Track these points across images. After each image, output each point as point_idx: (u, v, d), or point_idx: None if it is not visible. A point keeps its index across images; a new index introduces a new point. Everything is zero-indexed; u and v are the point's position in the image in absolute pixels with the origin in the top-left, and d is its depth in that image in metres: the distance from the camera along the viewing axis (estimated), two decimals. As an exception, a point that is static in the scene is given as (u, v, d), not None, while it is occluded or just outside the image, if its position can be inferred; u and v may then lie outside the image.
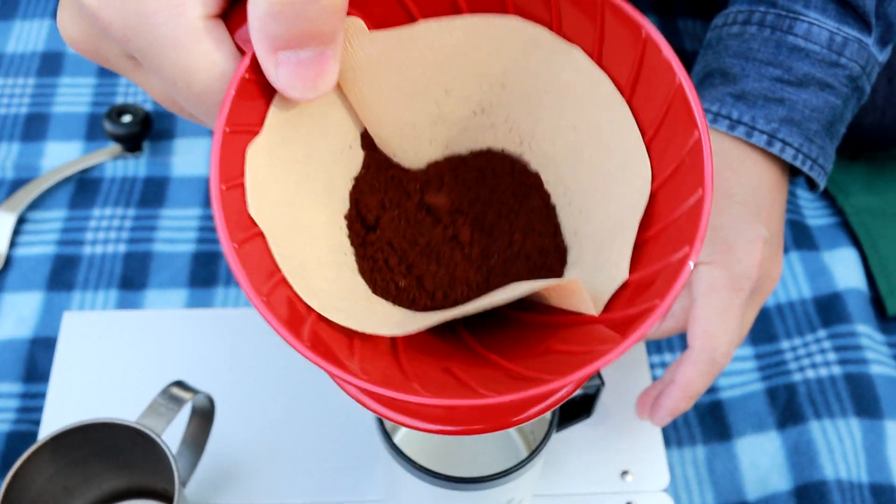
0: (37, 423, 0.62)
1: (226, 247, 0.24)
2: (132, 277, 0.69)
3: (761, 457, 0.62)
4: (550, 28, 0.29)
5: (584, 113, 0.30)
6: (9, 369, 0.64)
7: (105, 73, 0.82)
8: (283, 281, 0.26)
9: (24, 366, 0.65)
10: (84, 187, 0.74)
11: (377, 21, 0.29)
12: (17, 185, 0.74)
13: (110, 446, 0.47)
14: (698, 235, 0.26)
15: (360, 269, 0.30)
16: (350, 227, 0.30)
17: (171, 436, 0.51)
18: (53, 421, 0.54)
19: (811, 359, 0.66)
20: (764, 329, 0.68)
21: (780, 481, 0.61)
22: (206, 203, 0.74)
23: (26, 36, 0.84)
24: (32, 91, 0.80)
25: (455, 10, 0.29)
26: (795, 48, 0.51)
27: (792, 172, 0.55)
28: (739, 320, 0.49)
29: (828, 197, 0.76)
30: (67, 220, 0.72)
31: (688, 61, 0.85)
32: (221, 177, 0.25)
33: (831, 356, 0.66)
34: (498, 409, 0.30)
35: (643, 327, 0.25)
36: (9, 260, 0.70)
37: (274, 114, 0.27)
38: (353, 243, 0.30)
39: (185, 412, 0.51)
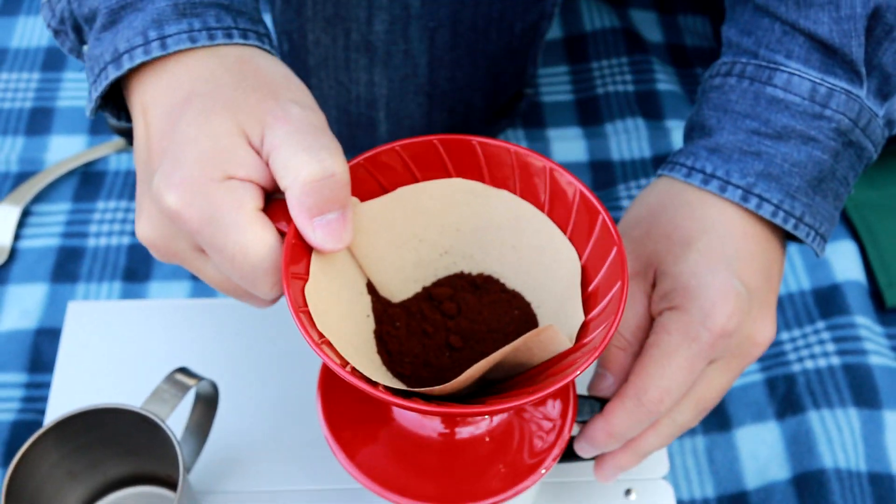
0: (41, 412, 0.62)
1: (311, 344, 0.35)
2: (135, 269, 0.70)
3: (760, 447, 0.62)
4: (482, 181, 0.41)
5: (517, 232, 0.41)
6: (13, 360, 0.65)
7: (109, 68, 0.82)
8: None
9: (29, 356, 0.65)
10: (88, 180, 0.75)
11: (389, 179, 0.41)
12: (21, 178, 0.74)
13: (115, 432, 0.47)
14: (625, 276, 0.37)
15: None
16: (377, 342, 0.40)
17: (176, 423, 0.51)
18: (58, 409, 0.55)
19: (810, 350, 0.66)
20: (763, 321, 0.68)
21: (779, 470, 0.61)
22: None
23: (30, 32, 0.85)
24: (37, 86, 0.81)
25: (422, 174, 0.41)
26: (774, 100, 0.48)
27: (788, 237, 0.51)
28: (686, 372, 0.45)
29: (827, 190, 0.76)
30: (72, 213, 0.73)
31: (686, 58, 0.86)
32: (294, 307, 0.36)
33: (830, 347, 0.66)
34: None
35: (603, 343, 0.35)
36: (13, 252, 0.70)
37: (315, 264, 0.37)
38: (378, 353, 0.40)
39: (188, 399, 0.51)
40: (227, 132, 0.37)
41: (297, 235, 0.37)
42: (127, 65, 0.39)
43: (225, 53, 0.40)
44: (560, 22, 0.87)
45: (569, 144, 0.79)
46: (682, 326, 0.44)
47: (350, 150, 0.66)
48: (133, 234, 0.71)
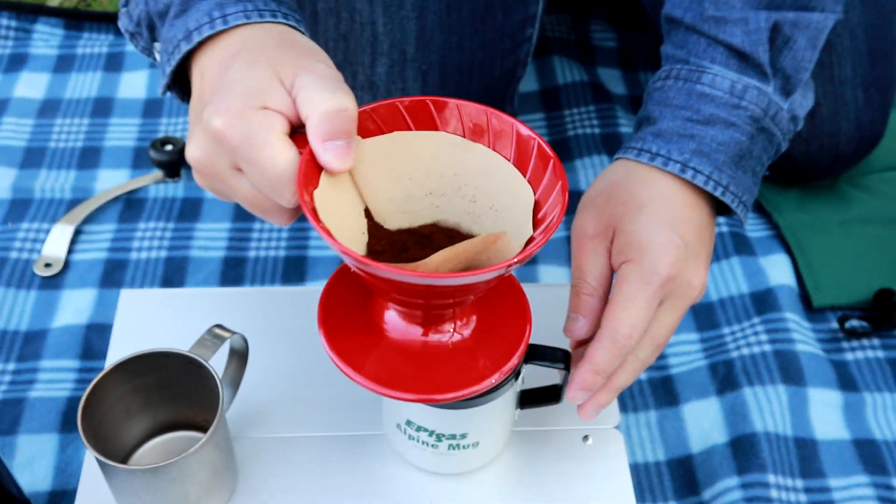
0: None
1: (315, 224, 0.44)
2: (171, 278, 0.82)
3: (703, 418, 0.73)
4: (463, 136, 0.51)
5: (488, 178, 0.51)
6: (68, 349, 0.76)
7: (148, 114, 0.96)
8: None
9: (81, 346, 0.76)
10: (131, 206, 0.87)
11: (388, 126, 0.51)
12: (73, 203, 0.87)
13: (165, 376, 0.58)
14: (564, 201, 0.47)
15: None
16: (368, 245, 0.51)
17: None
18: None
19: (746, 340, 0.78)
20: (708, 319, 0.80)
21: (719, 436, 0.72)
22: (234, 218, 0.87)
23: (80, 85, 0.98)
24: (87, 129, 0.94)
25: (416, 124, 0.51)
26: (703, 94, 0.61)
27: (722, 210, 0.63)
28: (645, 310, 0.54)
29: (765, 215, 0.89)
30: (117, 232, 0.85)
31: (611, 102, 0.99)
32: (304, 203, 0.45)
33: (763, 337, 0.77)
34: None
35: (542, 239, 0.46)
36: (67, 264, 0.82)
37: (323, 179, 0.47)
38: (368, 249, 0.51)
39: (224, 354, 0.62)
40: (266, 76, 0.47)
41: (312, 156, 0.46)
42: (196, 38, 0.51)
43: (269, 28, 0.51)
44: (537, 76, 1.01)
45: (543, 177, 0.92)
46: (638, 275, 0.55)
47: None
48: (169, 248, 0.84)
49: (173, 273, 0.82)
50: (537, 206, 0.49)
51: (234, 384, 0.62)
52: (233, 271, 0.82)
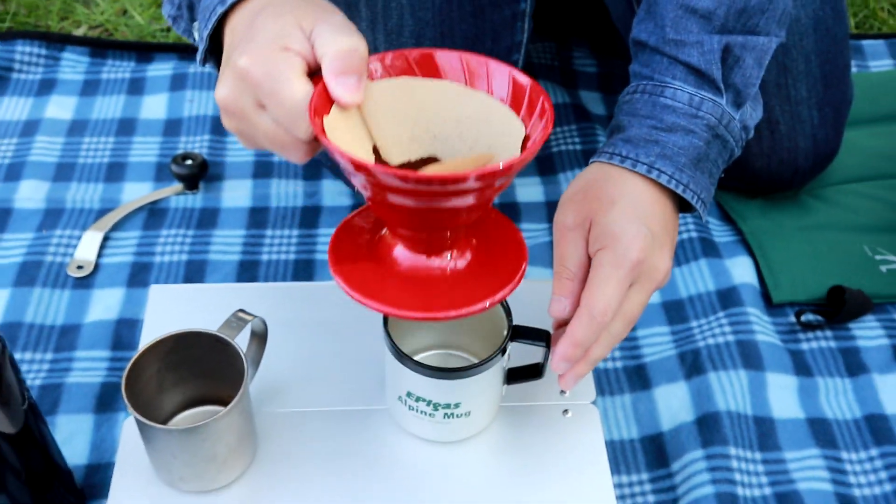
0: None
1: (323, 138, 0.51)
2: (191, 278, 0.90)
3: (673, 399, 0.81)
4: (465, 84, 0.57)
5: (487, 122, 0.57)
6: (100, 342, 0.84)
7: (168, 133, 1.05)
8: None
9: (112, 339, 0.85)
10: (154, 215, 0.96)
11: (397, 72, 0.57)
12: (102, 213, 0.95)
13: (195, 354, 0.66)
14: (547, 130, 0.53)
15: None
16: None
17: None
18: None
19: (712, 331, 0.86)
20: (678, 314, 0.89)
21: (686, 415, 0.80)
22: (247, 226, 0.95)
23: (106, 107, 1.07)
24: (113, 146, 1.03)
25: (422, 73, 0.57)
26: (666, 106, 0.70)
27: (685, 207, 0.72)
28: (618, 289, 0.62)
29: (731, 222, 0.98)
30: (142, 238, 0.93)
31: (592, 122, 1.08)
32: (315, 126, 0.51)
33: (727, 329, 0.86)
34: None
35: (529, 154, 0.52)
36: (97, 266, 0.91)
37: (334, 111, 0.53)
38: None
39: (245, 337, 0.70)
40: (289, 24, 0.53)
41: (325, 90, 0.52)
42: (230, 1, 0.58)
43: None
44: (523, 99, 1.10)
45: (530, 189, 1.01)
46: (611, 259, 0.63)
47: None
48: (189, 252, 0.92)
49: (193, 274, 0.90)
50: (526, 139, 0.56)
51: (255, 363, 0.70)
52: (247, 273, 0.91)
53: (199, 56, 0.64)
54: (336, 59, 0.52)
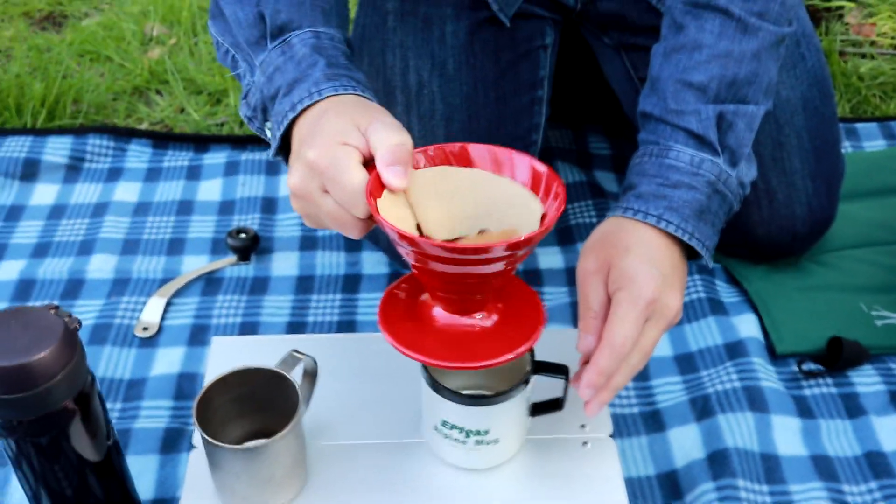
0: (184, 424, 0.90)
1: (376, 214, 0.61)
2: (245, 338, 0.99)
3: (685, 440, 0.89)
4: (493, 171, 0.68)
5: (512, 205, 0.67)
6: (163, 392, 0.94)
7: (222, 213, 1.16)
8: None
9: (174, 390, 0.94)
10: (211, 283, 1.06)
11: (437, 162, 0.68)
12: (164, 281, 1.06)
13: (254, 389, 0.75)
14: (559, 210, 0.64)
15: None
16: None
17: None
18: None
19: (720, 379, 0.94)
20: (689, 365, 0.97)
21: (698, 453, 0.87)
22: (295, 291, 1.05)
23: (167, 191, 1.19)
24: (173, 224, 1.14)
25: (458, 163, 0.69)
26: (670, 166, 0.80)
27: (691, 256, 0.82)
28: (635, 324, 0.70)
29: (737, 284, 1.06)
30: (200, 303, 1.04)
31: (606, 198, 1.18)
32: (369, 202, 0.62)
33: (734, 376, 0.93)
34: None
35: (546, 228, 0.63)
36: (161, 328, 1.01)
37: (385, 194, 0.64)
38: None
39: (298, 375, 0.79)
40: (348, 123, 0.65)
41: (378, 177, 0.63)
42: (299, 107, 0.70)
43: (350, 97, 0.70)
44: (544, 179, 1.21)
45: (551, 257, 1.10)
46: (628, 298, 0.72)
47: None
48: (243, 315, 1.02)
49: (247, 334, 1.00)
50: (544, 216, 0.66)
51: (307, 397, 0.79)
52: (296, 333, 1.00)
53: (271, 152, 0.76)
54: (387, 152, 0.63)
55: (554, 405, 0.78)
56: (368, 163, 0.65)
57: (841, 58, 1.49)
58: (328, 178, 0.64)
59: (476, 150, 0.69)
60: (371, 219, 0.65)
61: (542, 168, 0.68)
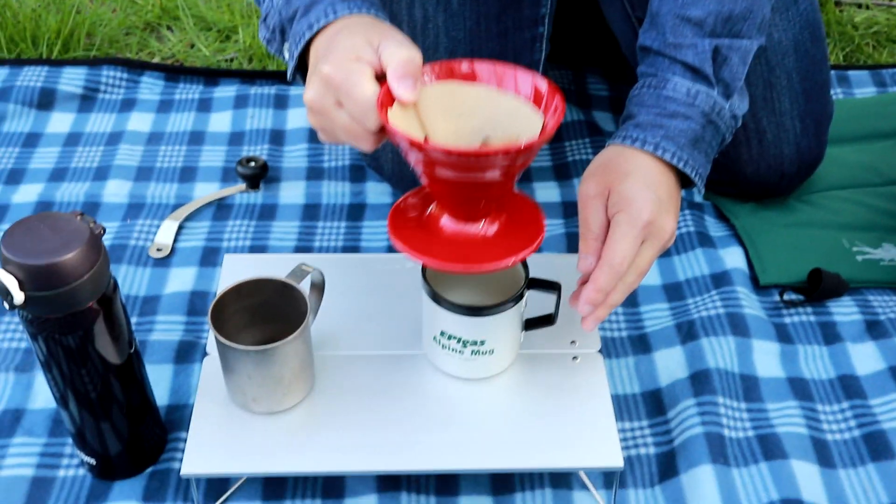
0: (197, 337, 0.95)
1: (386, 122, 0.65)
2: (254, 260, 1.04)
3: (669, 361, 0.94)
4: (498, 87, 0.72)
5: (516, 117, 0.71)
6: (177, 309, 0.99)
7: (232, 143, 1.20)
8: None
9: (187, 306, 0.99)
10: (221, 209, 1.11)
11: (447, 77, 0.72)
12: (176, 206, 1.10)
13: (265, 298, 0.79)
14: (558, 119, 0.68)
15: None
16: None
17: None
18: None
19: (706, 306, 0.99)
20: (676, 293, 1.01)
21: (681, 373, 0.92)
22: (302, 218, 1.10)
23: (178, 122, 1.23)
24: (185, 154, 1.19)
25: (467, 78, 0.72)
26: (667, 97, 0.84)
27: (684, 185, 0.88)
28: (632, 244, 0.75)
29: (725, 220, 1.11)
30: (211, 227, 1.08)
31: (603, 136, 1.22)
32: (382, 116, 0.66)
33: (719, 304, 0.98)
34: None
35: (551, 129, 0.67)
36: (174, 249, 1.05)
37: (395, 107, 0.67)
38: None
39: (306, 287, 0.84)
40: (360, 40, 0.69)
41: (388, 90, 0.66)
42: (316, 27, 0.74)
43: (363, 16, 0.74)
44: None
45: (548, 191, 1.15)
46: (626, 220, 0.76)
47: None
48: (252, 238, 1.07)
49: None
50: (544, 128, 0.70)
51: (314, 307, 0.84)
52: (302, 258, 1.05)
53: (290, 72, 0.80)
54: (398, 66, 0.67)
55: (546, 320, 0.83)
56: (381, 78, 0.68)
57: (837, 7, 1.52)
58: (342, 92, 0.68)
59: (481, 66, 0.73)
60: (382, 131, 0.68)
61: (543, 85, 0.71)
